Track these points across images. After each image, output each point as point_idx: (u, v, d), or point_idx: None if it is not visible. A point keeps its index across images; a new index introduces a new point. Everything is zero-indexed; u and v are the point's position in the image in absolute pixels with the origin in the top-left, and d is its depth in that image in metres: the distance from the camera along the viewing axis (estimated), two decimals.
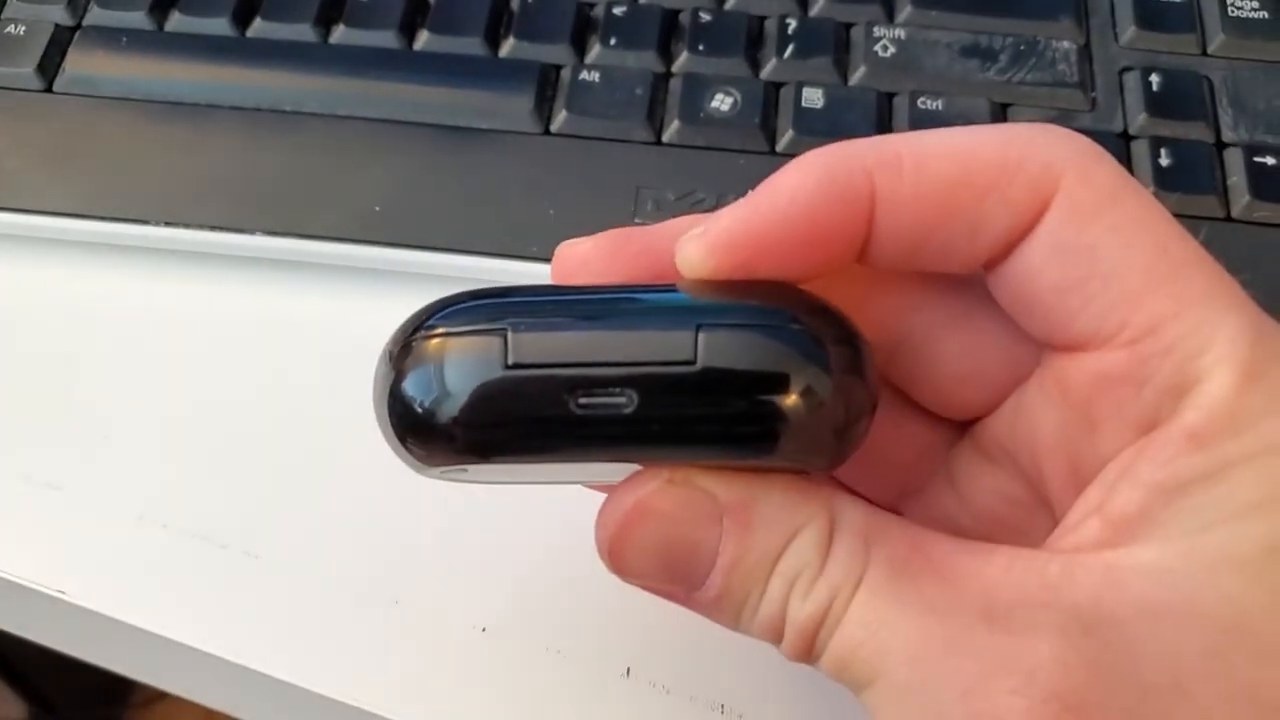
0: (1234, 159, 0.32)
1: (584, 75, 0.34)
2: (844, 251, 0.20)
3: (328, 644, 0.27)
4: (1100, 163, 0.20)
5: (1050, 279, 0.19)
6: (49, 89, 0.35)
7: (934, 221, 0.20)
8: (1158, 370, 0.19)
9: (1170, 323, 0.19)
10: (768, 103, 0.33)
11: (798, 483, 0.20)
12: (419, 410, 0.19)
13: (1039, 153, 0.19)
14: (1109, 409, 0.20)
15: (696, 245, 0.20)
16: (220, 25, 0.35)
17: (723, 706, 0.26)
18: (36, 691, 0.79)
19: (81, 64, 0.35)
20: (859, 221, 0.19)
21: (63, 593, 0.28)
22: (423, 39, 0.35)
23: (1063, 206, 0.19)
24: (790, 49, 0.34)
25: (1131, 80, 0.34)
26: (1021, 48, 0.34)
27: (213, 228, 0.32)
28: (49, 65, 0.35)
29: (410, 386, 0.19)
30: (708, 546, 0.20)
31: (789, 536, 0.19)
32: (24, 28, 0.35)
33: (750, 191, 0.20)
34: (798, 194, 0.19)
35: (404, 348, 0.19)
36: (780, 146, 0.33)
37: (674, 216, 0.31)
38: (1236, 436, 0.18)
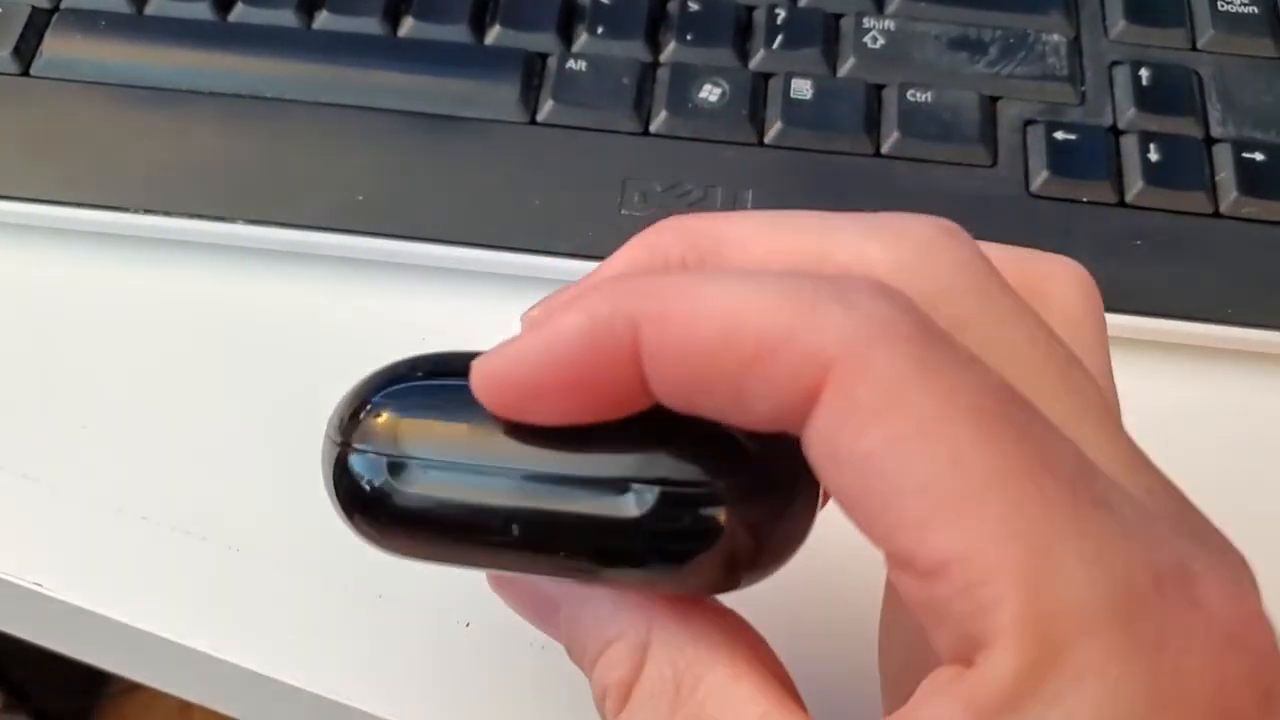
0: (1223, 154, 0.32)
1: (571, 64, 0.34)
2: (624, 398, 0.18)
3: (310, 638, 0.27)
4: (891, 345, 0.16)
5: (832, 480, 0.17)
6: (25, 72, 0.34)
7: (697, 385, 0.17)
8: (951, 613, 0.16)
9: (958, 565, 0.15)
10: (756, 94, 0.33)
11: (623, 591, 0.20)
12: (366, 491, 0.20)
13: (811, 330, 0.16)
14: (925, 624, 0.17)
15: (478, 385, 0.19)
16: (201, 9, 0.35)
17: None
18: (11, 680, 0.79)
19: (59, 47, 0.34)
20: (626, 372, 0.18)
21: (40, 585, 0.27)
22: (407, 25, 0.34)
23: (833, 403, 0.16)
24: (779, 39, 0.34)
25: (1121, 74, 0.34)
26: (1011, 40, 0.34)
27: (193, 215, 0.32)
28: (25, 48, 0.34)
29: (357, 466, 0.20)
30: (553, 629, 0.21)
31: (604, 643, 0.20)
32: (0, 10, 0.34)
33: (530, 325, 0.19)
34: (560, 342, 0.18)
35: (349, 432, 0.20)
36: (769, 138, 0.33)
37: (661, 208, 0.31)
38: None
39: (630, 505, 0.18)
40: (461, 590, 0.27)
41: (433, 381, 0.20)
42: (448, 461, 0.19)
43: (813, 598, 0.27)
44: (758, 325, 0.16)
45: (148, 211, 0.32)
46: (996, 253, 0.20)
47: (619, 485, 0.18)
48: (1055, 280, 0.20)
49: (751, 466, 0.18)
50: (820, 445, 0.16)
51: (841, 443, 0.16)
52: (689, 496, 0.18)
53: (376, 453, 0.19)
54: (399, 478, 0.19)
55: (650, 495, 0.18)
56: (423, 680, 0.26)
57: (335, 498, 0.20)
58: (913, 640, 0.20)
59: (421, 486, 0.19)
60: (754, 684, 0.18)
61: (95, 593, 0.27)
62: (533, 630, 0.26)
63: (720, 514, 0.18)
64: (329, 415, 0.21)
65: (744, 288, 0.17)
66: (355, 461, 0.19)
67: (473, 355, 0.19)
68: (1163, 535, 0.16)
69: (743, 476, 0.18)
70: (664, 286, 0.18)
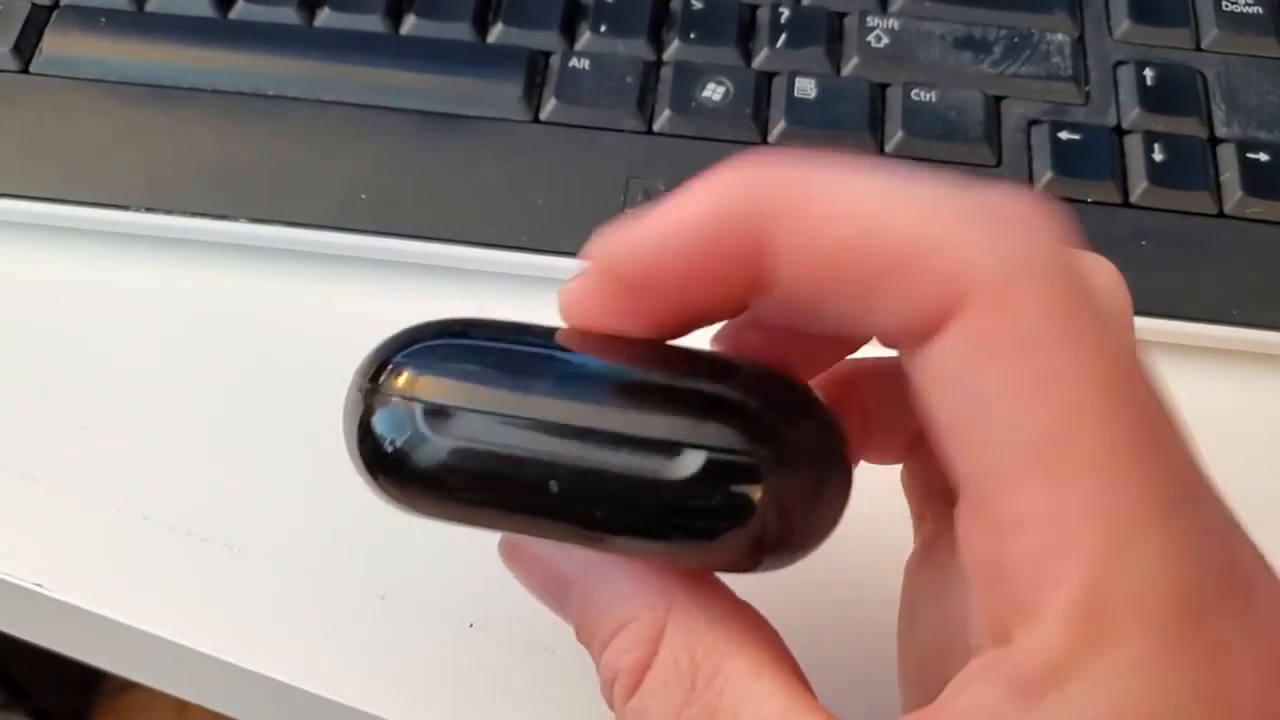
0: (1227, 155, 0.32)
1: (574, 62, 0.33)
2: (741, 291, 0.18)
3: (313, 639, 0.26)
4: (1032, 285, 0.15)
5: (936, 403, 0.16)
6: (25, 70, 0.34)
7: (827, 286, 0.17)
8: (1011, 573, 0.15)
9: (1036, 526, 0.15)
10: (760, 92, 0.33)
11: (643, 568, 0.19)
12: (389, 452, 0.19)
13: (956, 249, 0.15)
14: (974, 578, 0.16)
15: (598, 258, 0.18)
16: (202, 6, 0.34)
17: None
18: (9, 679, 0.78)
19: (59, 45, 0.34)
20: (751, 262, 0.17)
21: (40, 585, 0.27)
22: (409, 23, 0.34)
23: (964, 331, 0.15)
24: (783, 38, 0.34)
25: (1125, 74, 0.34)
26: (1015, 40, 0.34)
27: (194, 214, 0.31)
28: (25, 45, 0.34)
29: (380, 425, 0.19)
30: (564, 607, 0.21)
31: (618, 625, 0.19)
32: (0, 6, 0.34)
33: (655, 207, 0.18)
34: (689, 222, 0.17)
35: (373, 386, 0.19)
36: (772, 137, 0.32)
37: None
38: (1056, 706, 0.15)
39: (672, 467, 0.17)
40: (465, 591, 0.27)
41: (468, 340, 0.19)
42: (483, 411, 0.18)
43: (824, 595, 0.27)
44: (901, 233, 0.16)
45: (149, 210, 0.31)
46: None
47: (663, 446, 0.17)
48: (1097, 276, 0.19)
49: (796, 445, 0.18)
50: (935, 368, 0.16)
51: (961, 373, 0.15)
52: (734, 466, 0.17)
53: (409, 399, 0.18)
54: (431, 427, 0.18)
55: (696, 459, 0.17)
56: (426, 681, 0.26)
57: (358, 451, 0.19)
58: (937, 635, 0.19)
59: (454, 436, 0.18)
60: (774, 678, 0.18)
61: (95, 593, 0.27)
62: (537, 631, 0.26)
63: (759, 490, 0.17)
64: (357, 366, 0.20)
65: (891, 191, 0.16)
66: (384, 413, 0.18)
67: (500, 323, 0.19)
68: (1238, 541, 0.16)
69: (787, 453, 0.17)
70: (806, 180, 0.17)
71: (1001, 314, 0.15)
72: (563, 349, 0.19)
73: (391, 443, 0.18)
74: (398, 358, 0.19)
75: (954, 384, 0.16)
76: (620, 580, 0.19)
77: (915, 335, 0.16)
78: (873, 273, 0.16)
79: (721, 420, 0.17)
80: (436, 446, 0.18)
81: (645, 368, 0.18)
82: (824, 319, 0.17)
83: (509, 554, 0.21)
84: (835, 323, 0.17)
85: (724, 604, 0.19)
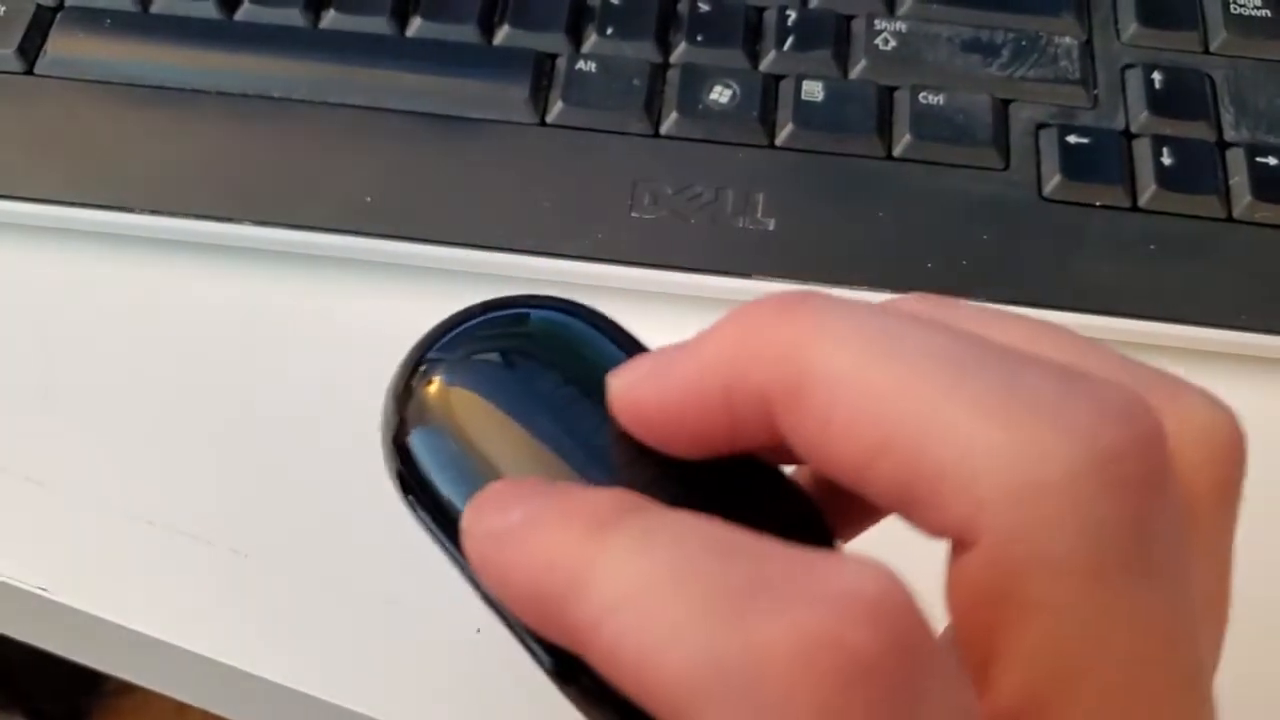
0: (1236, 159, 0.32)
1: (580, 65, 0.33)
2: (759, 442, 0.17)
3: (318, 644, 0.26)
4: (1050, 539, 0.14)
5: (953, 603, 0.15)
6: (30, 71, 0.34)
7: (834, 475, 0.16)
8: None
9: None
10: (767, 95, 0.33)
11: None
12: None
13: (973, 485, 0.14)
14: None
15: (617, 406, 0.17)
16: (207, 8, 0.34)
17: None
18: (6, 680, 0.78)
19: (64, 46, 0.34)
20: (767, 429, 0.16)
21: (44, 589, 0.27)
22: (415, 25, 0.34)
23: (980, 562, 0.14)
24: (790, 41, 0.34)
25: (1133, 78, 0.33)
26: (1023, 43, 0.34)
27: (199, 216, 0.31)
28: (30, 47, 0.34)
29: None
30: None
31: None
32: (4, 8, 0.34)
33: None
34: (700, 394, 0.16)
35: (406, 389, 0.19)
36: (780, 140, 0.32)
37: (671, 209, 0.31)
38: None
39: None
40: (472, 595, 0.27)
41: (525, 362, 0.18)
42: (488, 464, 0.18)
43: None
44: (917, 451, 0.14)
45: (153, 212, 0.31)
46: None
47: None
48: (1185, 434, 0.16)
49: (776, 519, 0.17)
50: (955, 580, 0.15)
51: (981, 601, 0.14)
52: None
53: (439, 422, 0.18)
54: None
55: None
56: (432, 686, 0.26)
57: (391, 467, 0.19)
58: None
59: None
60: None
61: (99, 597, 0.27)
62: None
63: None
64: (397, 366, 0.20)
65: (912, 395, 0.14)
66: (416, 435, 0.18)
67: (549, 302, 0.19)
68: None
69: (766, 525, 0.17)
70: (811, 365, 0.15)
71: (1051, 554, 0.14)
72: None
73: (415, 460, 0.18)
74: (433, 352, 0.19)
75: (972, 603, 0.14)
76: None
77: (932, 534, 0.15)
78: (884, 481, 0.15)
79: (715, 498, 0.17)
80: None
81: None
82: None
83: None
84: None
85: None
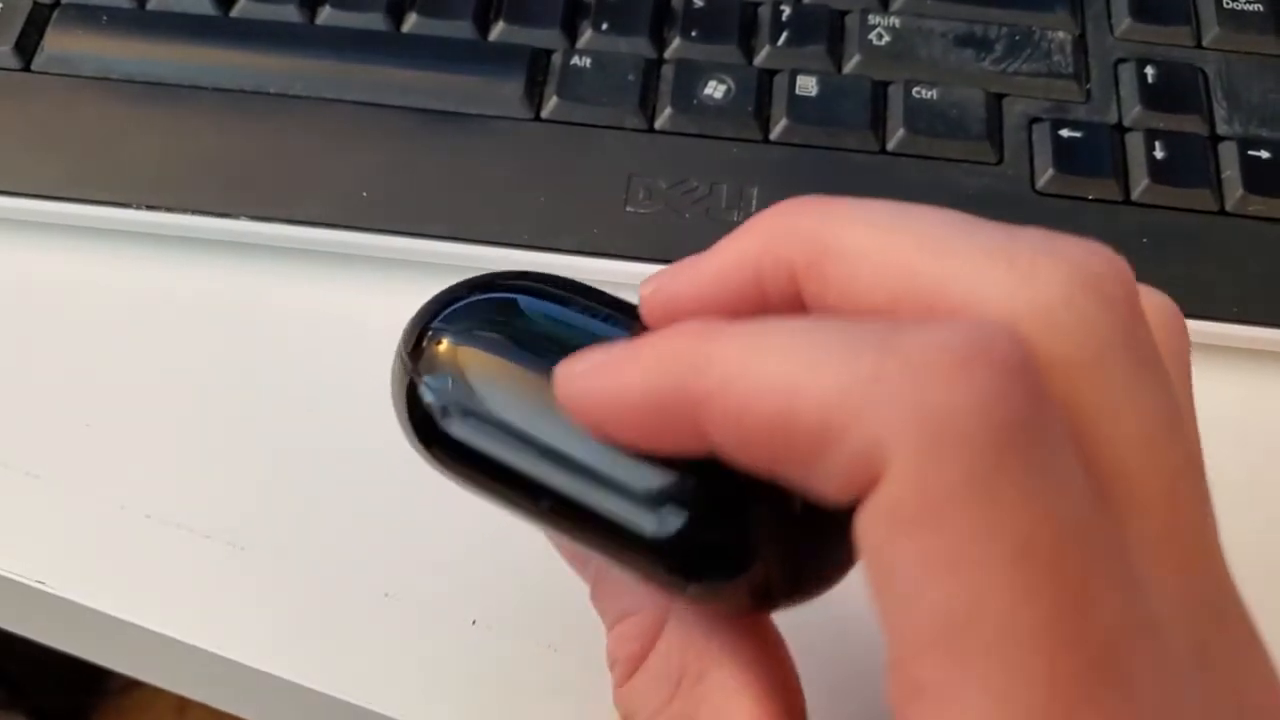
0: (1228, 152, 0.32)
1: (575, 60, 0.33)
2: (699, 447, 0.17)
3: (316, 636, 0.26)
4: (945, 452, 0.14)
5: (866, 568, 0.15)
6: (27, 68, 0.34)
7: (762, 463, 0.16)
8: None
9: (933, 702, 0.14)
10: (761, 90, 0.33)
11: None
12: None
13: (868, 423, 0.14)
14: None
15: (561, 392, 0.18)
16: (203, 4, 0.34)
17: None
18: (8, 678, 0.78)
19: (60, 42, 0.34)
20: (696, 434, 0.17)
21: (43, 583, 0.27)
22: (411, 21, 0.34)
23: (879, 502, 0.15)
24: (784, 36, 0.34)
25: (1126, 72, 0.34)
26: (1017, 38, 0.34)
27: (196, 211, 0.31)
28: (27, 43, 0.34)
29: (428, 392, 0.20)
30: (583, 573, 0.22)
31: (620, 613, 0.20)
32: (1, 5, 0.34)
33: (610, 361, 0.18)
34: (626, 399, 0.17)
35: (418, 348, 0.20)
36: (774, 135, 0.32)
37: (666, 204, 0.31)
38: None
39: (652, 522, 0.17)
40: (469, 588, 0.27)
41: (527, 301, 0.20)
42: (501, 421, 0.19)
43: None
44: (814, 410, 0.15)
45: (150, 208, 0.31)
46: None
47: (650, 497, 0.18)
48: (1150, 305, 0.18)
49: (789, 516, 0.17)
50: (861, 534, 0.15)
51: (880, 542, 0.15)
52: (718, 523, 0.18)
53: (445, 386, 0.20)
54: (460, 416, 0.19)
55: (677, 518, 0.17)
56: (429, 678, 0.26)
57: (409, 422, 0.20)
58: None
59: (473, 433, 0.19)
60: (756, 698, 0.18)
61: (98, 591, 0.27)
62: (540, 629, 0.26)
63: (750, 548, 0.17)
64: (401, 333, 0.21)
65: (802, 361, 0.15)
66: (427, 384, 0.20)
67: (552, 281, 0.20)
68: (1181, 711, 0.14)
69: (778, 520, 0.17)
70: (722, 359, 0.16)
71: (911, 484, 0.14)
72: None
73: (438, 413, 0.20)
74: (437, 323, 0.20)
75: (874, 551, 0.15)
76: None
77: (848, 500, 0.15)
78: (796, 450, 0.15)
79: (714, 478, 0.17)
80: (462, 433, 0.19)
81: None
82: (779, 478, 0.16)
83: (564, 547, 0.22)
84: (789, 483, 0.16)
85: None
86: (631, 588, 0.20)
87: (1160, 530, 0.15)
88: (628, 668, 0.19)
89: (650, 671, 0.19)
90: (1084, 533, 0.14)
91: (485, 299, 0.20)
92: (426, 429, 0.20)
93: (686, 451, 0.17)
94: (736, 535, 0.17)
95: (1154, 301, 0.18)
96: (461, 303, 0.20)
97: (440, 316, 0.20)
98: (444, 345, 0.20)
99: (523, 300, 0.20)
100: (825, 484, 0.15)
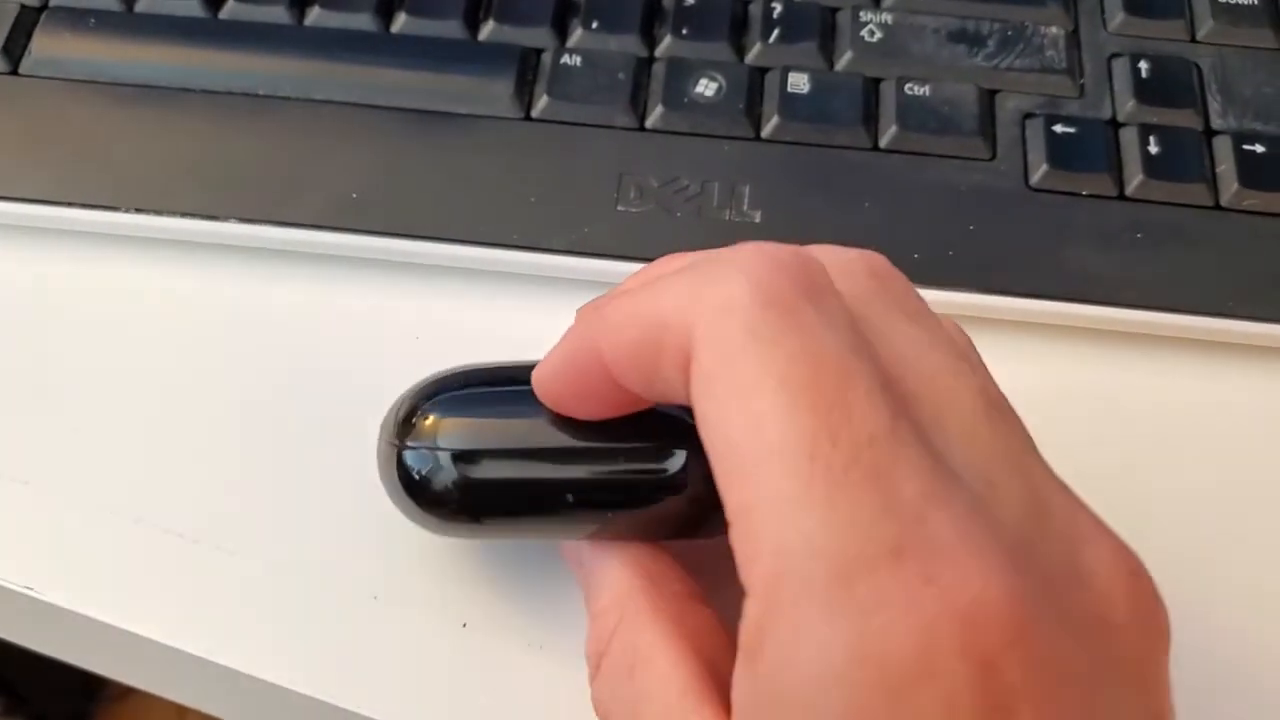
0: (1223, 146, 0.32)
1: (565, 59, 0.33)
2: (626, 399, 0.22)
3: (305, 641, 0.26)
4: (728, 319, 0.18)
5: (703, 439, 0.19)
6: (14, 71, 0.34)
7: (644, 378, 0.20)
8: (740, 561, 0.18)
9: (744, 520, 0.18)
10: (753, 88, 0.33)
11: (616, 570, 0.23)
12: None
13: (684, 313, 0.19)
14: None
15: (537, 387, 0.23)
16: (191, 6, 0.34)
17: None
18: (9, 684, 0.78)
19: (48, 46, 0.34)
20: (609, 379, 0.21)
21: (31, 589, 0.27)
22: (400, 21, 0.34)
23: (693, 372, 0.19)
24: (775, 33, 0.34)
25: (1120, 67, 0.33)
26: (1009, 33, 0.34)
27: (184, 214, 0.31)
28: (14, 47, 0.34)
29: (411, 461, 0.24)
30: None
31: (592, 617, 0.23)
32: None
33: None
34: (559, 368, 0.22)
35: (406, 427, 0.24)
36: (766, 132, 0.32)
37: (658, 203, 0.31)
38: (760, 667, 0.18)
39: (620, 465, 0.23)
40: (458, 590, 0.27)
41: (466, 391, 0.25)
42: (486, 449, 0.24)
43: None
44: (658, 318, 0.19)
45: (138, 211, 0.31)
46: None
47: (615, 453, 0.23)
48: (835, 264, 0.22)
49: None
50: (693, 404, 0.19)
51: (695, 404, 0.19)
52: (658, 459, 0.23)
53: (427, 448, 0.24)
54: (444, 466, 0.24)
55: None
56: (419, 681, 0.26)
57: (407, 496, 0.24)
58: None
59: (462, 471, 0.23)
60: (688, 675, 0.20)
61: (87, 596, 0.27)
62: (530, 630, 0.26)
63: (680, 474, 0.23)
64: (382, 421, 0.25)
65: (655, 288, 0.20)
66: (408, 456, 0.24)
67: (494, 369, 0.25)
68: (931, 513, 0.17)
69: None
70: (607, 303, 0.21)
71: (705, 349, 0.19)
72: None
73: (429, 483, 0.24)
74: (416, 412, 0.24)
75: (698, 413, 0.19)
76: (596, 573, 0.23)
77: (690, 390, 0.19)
78: (657, 359, 0.20)
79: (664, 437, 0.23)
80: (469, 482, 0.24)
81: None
82: (665, 398, 0.20)
83: (565, 553, 0.25)
84: (670, 398, 0.20)
85: (677, 602, 0.22)
86: (599, 586, 0.23)
87: (935, 406, 0.19)
88: (593, 663, 0.22)
89: (610, 665, 0.22)
90: (841, 364, 0.18)
91: (453, 391, 0.24)
92: (450, 488, 0.23)
93: (621, 402, 0.22)
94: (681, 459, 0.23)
95: (847, 257, 0.22)
96: (435, 397, 0.24)
97: (422, 407, 0.24)
98: (430, 418, 0.24)
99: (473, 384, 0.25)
100: (678, 383, 0.19)
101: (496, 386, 0.24)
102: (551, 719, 0.26)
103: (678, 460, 0.23)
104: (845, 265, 0.21)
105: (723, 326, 0.18)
